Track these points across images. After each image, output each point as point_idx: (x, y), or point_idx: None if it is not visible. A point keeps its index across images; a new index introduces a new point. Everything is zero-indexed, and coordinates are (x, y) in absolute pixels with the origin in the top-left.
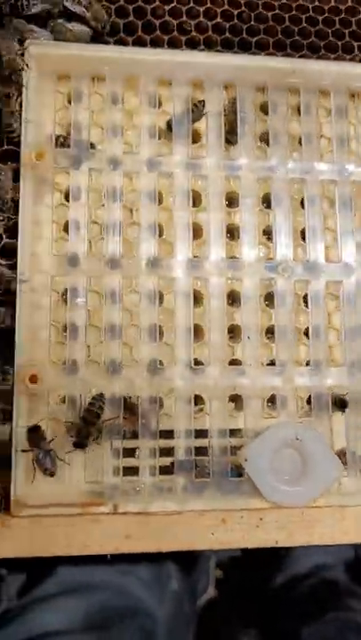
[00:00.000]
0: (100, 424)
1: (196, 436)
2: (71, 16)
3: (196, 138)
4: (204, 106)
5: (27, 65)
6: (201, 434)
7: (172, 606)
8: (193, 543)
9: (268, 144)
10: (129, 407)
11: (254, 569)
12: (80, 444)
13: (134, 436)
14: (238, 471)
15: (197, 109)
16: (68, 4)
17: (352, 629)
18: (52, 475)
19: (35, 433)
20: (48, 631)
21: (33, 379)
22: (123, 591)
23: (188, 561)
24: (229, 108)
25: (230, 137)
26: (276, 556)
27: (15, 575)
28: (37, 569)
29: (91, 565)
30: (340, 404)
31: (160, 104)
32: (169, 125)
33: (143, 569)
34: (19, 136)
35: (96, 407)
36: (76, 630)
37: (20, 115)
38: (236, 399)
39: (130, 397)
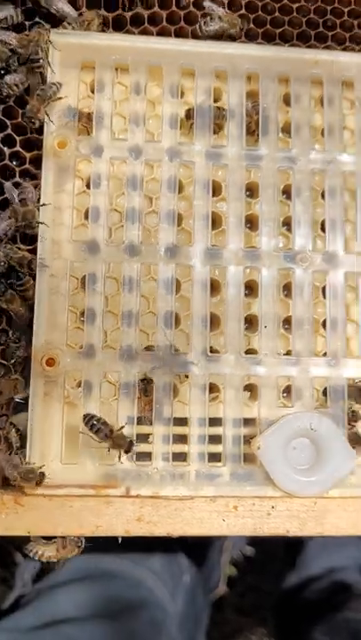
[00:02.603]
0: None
1: (211, 424)
2: None
3: (217, 128)
4: (226, 111)
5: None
6: (215, 422)
7: (183, 600)
8: (203, 529)
9: (290, 135)
10: (144, 389)
11: (268, 568)
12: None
13: (149, 421)
14: (252, 460)
15: (219, 112)
16: None
17: None
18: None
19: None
20: (60, 618)
21: (50, 362)
22: (135, 582)
23: (200, 556)
24: (252, 98)
25: (252, 128)
26: (290, 557)
27: (30, 561)
28: None
29: (104, 554)
30: (357, 397)
31: (183, 94)
32: (190, 115)
33: (156, 561)
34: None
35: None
36: (87, 618)
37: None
38: (251, 388)
39: (145, 380)
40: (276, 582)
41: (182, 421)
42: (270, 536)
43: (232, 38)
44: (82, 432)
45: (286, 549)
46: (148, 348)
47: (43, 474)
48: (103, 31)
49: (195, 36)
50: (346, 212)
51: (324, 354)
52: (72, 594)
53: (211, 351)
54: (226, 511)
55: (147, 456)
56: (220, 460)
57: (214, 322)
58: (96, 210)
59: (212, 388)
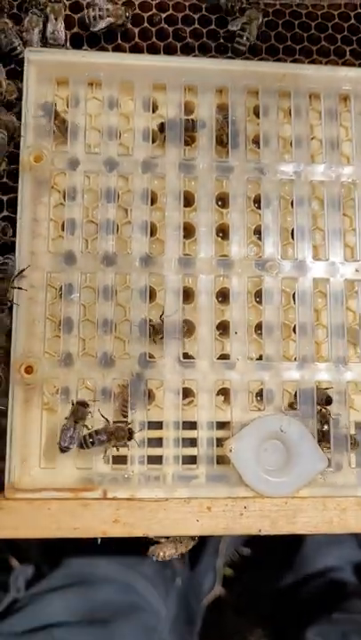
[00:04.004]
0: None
1: (185, 428)
2: None
3: (189, 140)
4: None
5: None
6: (190, 425)
7: (175, 604)
8: (178, 529)
9: (259, 146)
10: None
11: (265, 569)
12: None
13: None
14: (225, 462)
15: (190, 124)
16: None
17: (356, 632)
18: (62, 451)
19: (83, 407)
20: (53, 622)
21: (28, 370)
22: (127, 587)
23: (193, 559)
24: (222, 111)
25: (223, 139)
26: (286, 556)
27: (25, 566)
28: (46, 560)
29: (97, 558)
30: (326, 400)
31: (156, 108)
32: (163, 128)
33: (148, 565)
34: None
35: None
36: (79, 623)
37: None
38: (225, 392)
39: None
40: (273, 582)
41: (158, 425)
42: (265, 536)
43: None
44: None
45: (282, 549)
46: (124, 356)
47: None
48: (79, 47)
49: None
50: (315, 221)
51: (295, 358)
52: (65, 598)
53: (185, 357)
54: (200, 512)
55: (123, 459)
56: (194, 463)
57: (189, 328)
58: (72, 222)
59: (188, 393)
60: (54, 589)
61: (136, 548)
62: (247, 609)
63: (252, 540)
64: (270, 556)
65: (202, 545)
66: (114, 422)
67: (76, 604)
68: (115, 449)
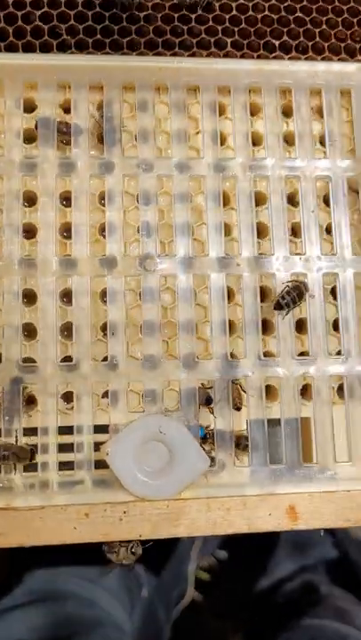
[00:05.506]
0: None
1: (65, 433)
2: None
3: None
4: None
5: None
6: (69, 430)
7: (141, 615)
8: (55, 538)
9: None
10: None
11: (241, 571)
12: None
13: None
14: (105, 466)
15: (62, 125)
16: None
17: (322, 637)
18: None
19: None
20: None
21: None
22: (89, 602)
23: (160, 567)
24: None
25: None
26: (262, 558)
27: None
28: (8, 577)
29: (59, 574)
30: (206, 400)
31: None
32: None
33: (112, 578)
34: None
35: None
36: None
37: None
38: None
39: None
40: (249, 586)
41: (35, 431)
42: (240, 538)
43: None
44: None
45: (258, 551)
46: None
47: None
48: None
49: None
50: (201, 216)
51: (180, 357)
52: (26, 616)
53: (64, 360)
54: (77, 519)
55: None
56: (73, 469)
57: (70, 331)
58: None
59: (70, 397)
60: (17, 607)
61: (99, 561)
62: (225, 614)
63: (228, 543)
64: (246, 559)
65: (170, 552)
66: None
67: (39, 620)
68: None
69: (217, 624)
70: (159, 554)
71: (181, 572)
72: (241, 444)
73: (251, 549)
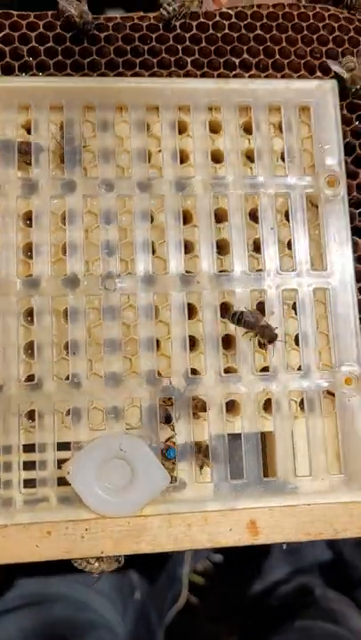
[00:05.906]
0: None
1: (27, 451)
2: None
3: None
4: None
5: None
6: (32, 448)
7: (133, 618)
8: (16, 556)
9: (105, 161)
10: None
11: (236, 575)
12: None
13: None
14: (68, 483)
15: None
16: None
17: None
18: None
19: None
20: None
21: None
22: (81, 605)
23: (153, 571)
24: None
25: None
26: (257, 561)
27: None
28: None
29: (51, 578)
30: (166, 418)
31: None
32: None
33: (105, 581)
34: None
35: None
36: None
37: None
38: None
39: None
40: (244, 589)
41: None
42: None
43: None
44: None
45: (253, 554)
46: None
47: None
48: None
49: None
50: (162, 234)
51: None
52: (18, 620)
53: (28, 379)
54: (40, 537)
55: None
56: (35, 487)
57: (33, 350)
58: None
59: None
60: (8, 611)
61: None
62: (220, 617)
63: (221, 548)
64: (241, 562)
65: (164, 555)
66: None
67: (31, 624)
68: None
69: (211, 627)
70: (153, 557)
71: (175, 575)
72: (202, 459)
73: (246, 552)
